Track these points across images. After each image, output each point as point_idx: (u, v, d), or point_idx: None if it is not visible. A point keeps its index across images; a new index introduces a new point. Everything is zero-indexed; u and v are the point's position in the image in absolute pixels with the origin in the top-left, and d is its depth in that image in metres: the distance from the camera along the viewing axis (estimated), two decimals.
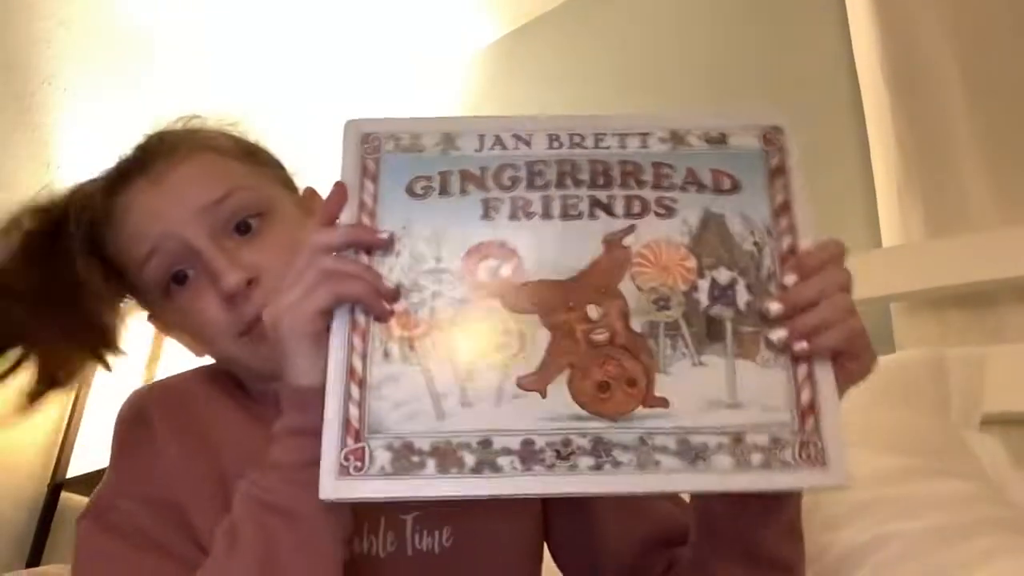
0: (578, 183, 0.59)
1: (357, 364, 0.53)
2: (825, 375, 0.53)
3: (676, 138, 0.60)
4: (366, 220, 0.57)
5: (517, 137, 0.60)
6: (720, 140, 0.60)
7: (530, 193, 0.58)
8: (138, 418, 0.69)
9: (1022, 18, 1.30)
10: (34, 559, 1.74)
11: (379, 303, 0.53)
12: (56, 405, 1.85)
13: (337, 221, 0.56)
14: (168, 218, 0.67)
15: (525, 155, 0.59)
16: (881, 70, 1.36)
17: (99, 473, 1.73)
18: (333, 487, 0.50)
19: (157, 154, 0.70)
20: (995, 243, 1.16)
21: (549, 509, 0.76)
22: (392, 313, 0.54)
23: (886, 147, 1.33)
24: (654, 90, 1.77)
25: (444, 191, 0.58)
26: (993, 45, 1.31)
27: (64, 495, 1.81)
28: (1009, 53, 1.29)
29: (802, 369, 0.53)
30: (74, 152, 1.98)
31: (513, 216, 0.58)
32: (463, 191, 0.58)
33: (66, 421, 1.84)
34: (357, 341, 0.54)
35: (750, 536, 0.62)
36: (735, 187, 0.58)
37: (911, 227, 1.27)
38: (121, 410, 0.71)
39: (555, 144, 0.60)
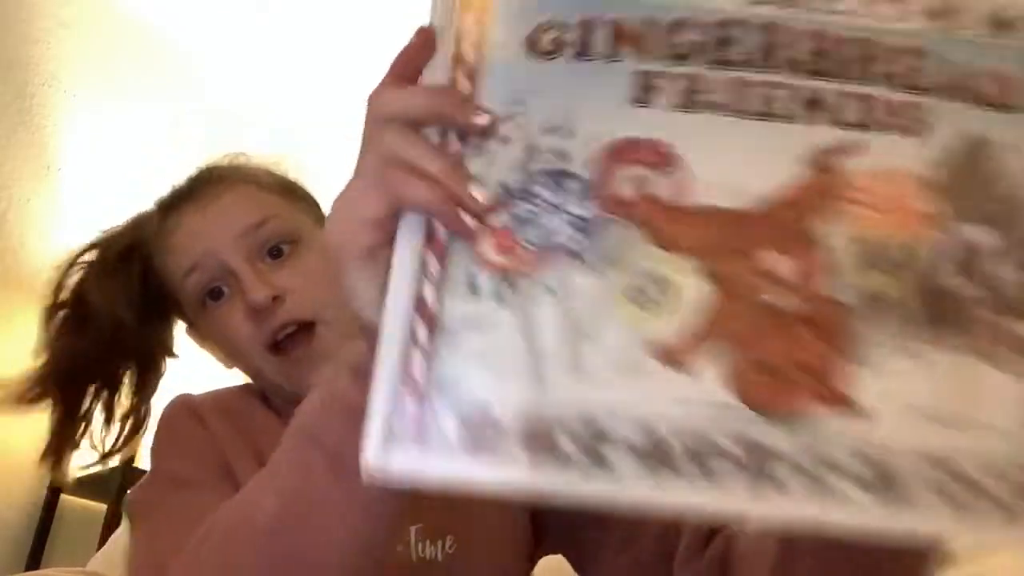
0: (795, 65, 0.38)
1: (428, 295, 0.37)
2: None
3: (948, 11, 0.39)
4: (464, 84, 0.38)
5: None
6: (1008, 25, 0.39)
7: (715, 71, 0.38)
8: (191, 413, 0.73)
9: None
10: (33, 562, 1.73)
11: (458, 219, 0.36)
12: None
13: (420, 80, 0.39)
14: (209, 238, 0.74)
15: (715, 9, 0.38)
16: None
17: (98, 475, 1.72)
18: (380, 458, 0.35)
19: (205, 183, 0.79)
20: None
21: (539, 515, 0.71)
22: (484, 231, 0.37)
23: None
24: None
25: (584, 51, 0.38)
26: None
27: (63, 498, 1.79)
28: None
29: None
30: (74, 154, 1.87)
31: (684, 104, 0.38)
32: (612, 55, 0.38)
33: None
34: (432, 263, 0.37)
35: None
36: (1021, 102, 0.38)
37: None
38: (169, 408, 0.75)
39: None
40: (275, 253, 0.74)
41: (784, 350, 0.37)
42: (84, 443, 1.84)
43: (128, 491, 0.70)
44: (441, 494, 0.37)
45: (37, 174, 1.84)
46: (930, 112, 0.38)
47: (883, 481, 0.35)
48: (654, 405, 0.36)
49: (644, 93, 0.38)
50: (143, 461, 1.68)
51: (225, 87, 2.20)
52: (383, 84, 0.39)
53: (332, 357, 0.54)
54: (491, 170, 0.38)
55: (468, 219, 0.37)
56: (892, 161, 0.38)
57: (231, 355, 0.76)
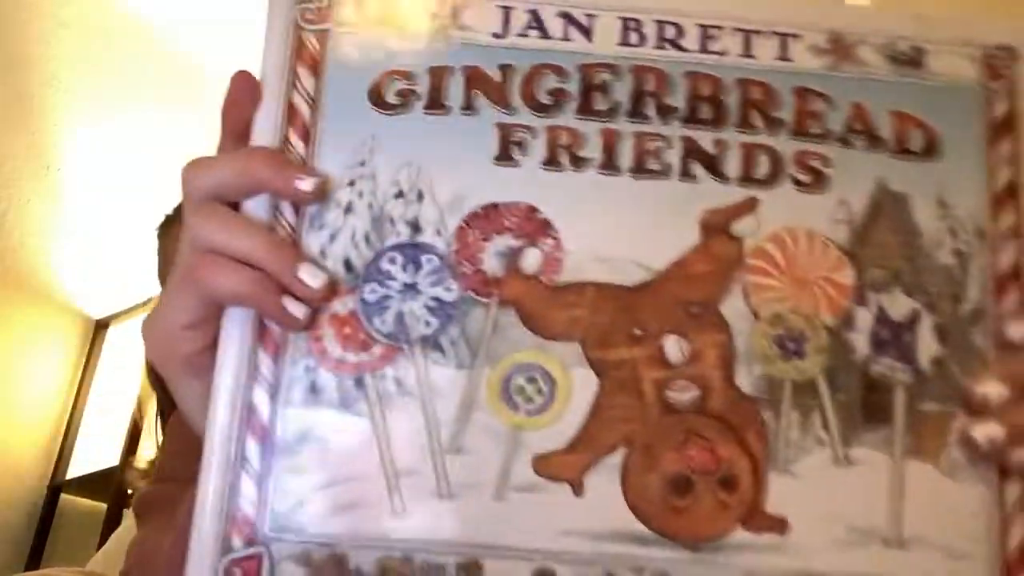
0: (666, 112, 0.33)
1: (260, 403, 0.30)
2: None
3: (840, 47, 0.34)
4: (295, 141, 0.32)
5: (568, 18, 0.33)
6: (912, 61, 0.34)
7: (583, 122, 0.33)
8: None
9: (1022, 18, 1.30)
10: (33, 561, 1.73)
11: (279, 308, 0.30)
12: (55, 407, 1.85)
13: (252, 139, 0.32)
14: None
15: (580, 51, 0.33)
16: None
17: (98, 475, 1.73)
18: None
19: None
20: None
21: None
22: (324, 320, 0.31)
23: None
24: None
25: (434, 102, 0.33)
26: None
27: (63, 497, 1.77)
28: None
29: (1014, 489, 0.30)
30: (74, 154, 1.89)
31: (551, 162, 0.32)
32: (468, 106, 0.33)
33: (65, 423, 1.81)
34: (265, 364, 0.30)
35: None
36: (931, 147, 0.33)
37: None
38: None
39: (633, 37, 0.34)
40: None
41: (693, 459, 0.31)
42: (83, 447, 1.84)
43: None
44: None
45: (37, 174, 1.84)
46: (831, 161, 0.33)
47: None
48: (546, 539, 0.29)
49: (506, 149, 0.32)
50: (143, 461, 1.69)
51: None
52: (198, 158, 0.32)
53: None
54: (333, 247, 0.31)
55: (296, 308, 0.30)
56: (791, 220, 0.32)
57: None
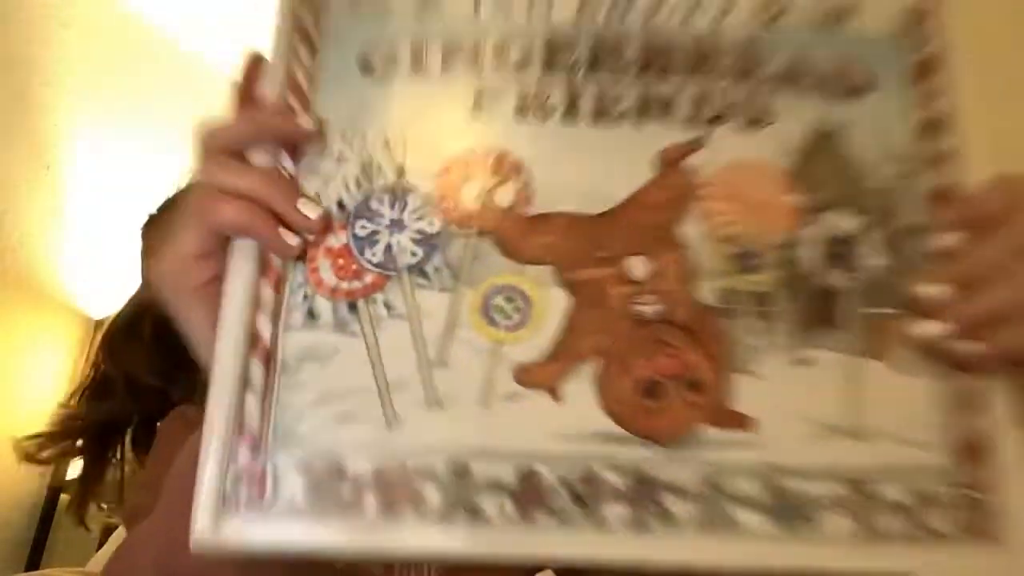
0: (622, 67, 0.38)
1: (263, 329, 0.33)
2: (1005, 393, 0.33)
3: (775, 5, 0.39)
4: (296, 105, 0.37)
5: None
6: (845, 13, 0.39)
7: (547, 77, 0.37)
8: (185, 425, 0.67)
9: (1022, 17, 1.30)
10: (33, 562, 1.74)
11: (277, 236, 0.33)
12: (55, 406, 1.85)
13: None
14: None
15: (543, 23, 0.38)
16: None
17: None
18: (211, 528, 0.31)
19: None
20: None
21: None
22: (320, 251, 0.34)
23: None
24: None
25: (416, 67, 0.37)
26: (993, 44, 1.30)
27: (63, 497, 1.78)
28: (1009, 52, 1.29)
29: (964, 379, 0.33)
30: (74, 154, 1.93)
31: (520, 111, 0.37)
32: (446, 69, 0.37)
33: None
34: (266, 293, 0.34)
35: None
36: (863, 87, 0.37)
37: None
38: (167, 420, 0.70)
39: (590, 5, 0.39)
40: None
41: (661, 365, 0.34)
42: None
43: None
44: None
45: (37, 174, 1.84)
46: (773, 102, 0.37)
47: (788, 508, 0.32)
48: (528, 441, 0.32)
49: (480, 102, 0.37)
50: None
51: (225, 87, 2.20)
52: (210, 120, 0.37)
53: None
54: (327, 189, 0.36)
55: (291, 237, 0.34)
56: (742, 154, 0.37)
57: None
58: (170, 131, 2.23)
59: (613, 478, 0.32)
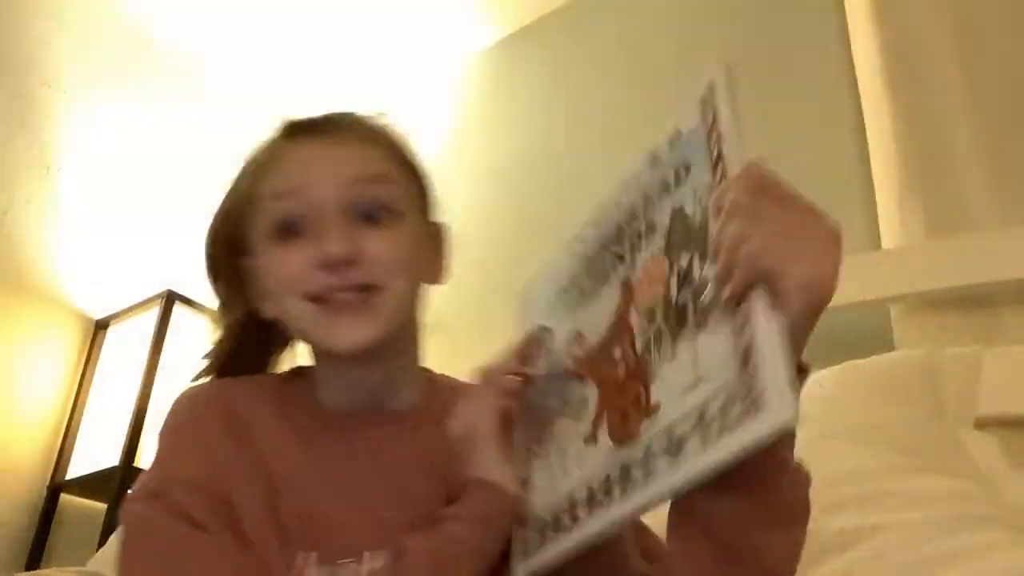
0: (606, 248, 0.65)
1: (526, 474, 0.65)
2: (758, 308, 0.46)
3: (654, 160, 0.60)
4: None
5: (580, 238, 0.69)
6: (676, 136, 0.58)
7: (585, 279, 0.67)
8: (192, 414, 0.72)
9: (1022, 16, 1.30)
10: (33, 562, 1.74)
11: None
12: (55, 407, 1.85)
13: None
14: (317, 174, 0.71)
15: (583, 251, 0.68)
16: (881, 70, 1.36)
17: (98, 475, 1.72)
18: (522, 569, 0.60)
19: (339, 125, 0.76)
20: (995, 244, 1.16)
21: None
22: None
23: (886, 147, 1.32)
24: (652, 93, 1.77)
25: (553, 311, 0.71)
26: (993, 44, 1.30)
27: (63, 497, 1.78)
28: (1009, 52, 1.29)
29: (740, 315, 0.47)
30: (74, 155, 1.89)
31: (579, 304, 0.67)
32: (561, 303, 0.70)
33: (65, 423, 1.82)
34: (523, 453, 0.66)
35: (719, 521, 0.55)
36: (687, 171, 0.56)
37: (911, 228, 1.26)
38: (175, 405, 0.73)
39: (597, 228, 0.67)
40: (372, 219, 0.71)
41: (626, 399, 0.56)
42: (83, 448, 1.83)
43: (129, 492, 0.69)
44: None
45: (37, 174, 1.84)
46: (655, 216, 0.59)
47: (674, 447, 0.49)
48: (588, 472, 0.57)
49: (569, 310, 0.69)
50: (142, 461, 1.68)
51: (225, 87, 2.20)
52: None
53: (376, 319, 0.69)
54: (536, 393, 0.69)
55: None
56: (647, 256, 0.59)
57: (272, 296, 0.73)
58: (170, 131, 2.22)
59: (614, 472, 0.54)
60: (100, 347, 1.85)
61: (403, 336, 0.74)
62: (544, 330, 0.71)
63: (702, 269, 0.51)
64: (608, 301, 0.62)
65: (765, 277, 0.47)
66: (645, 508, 0.52)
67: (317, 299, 0.69)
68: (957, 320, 1.19)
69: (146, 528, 0.65)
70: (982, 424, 1.03)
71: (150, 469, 0.71)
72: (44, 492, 1.76)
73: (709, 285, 0.50)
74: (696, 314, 0.51)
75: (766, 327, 0.45)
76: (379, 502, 0.68)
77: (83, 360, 1.86)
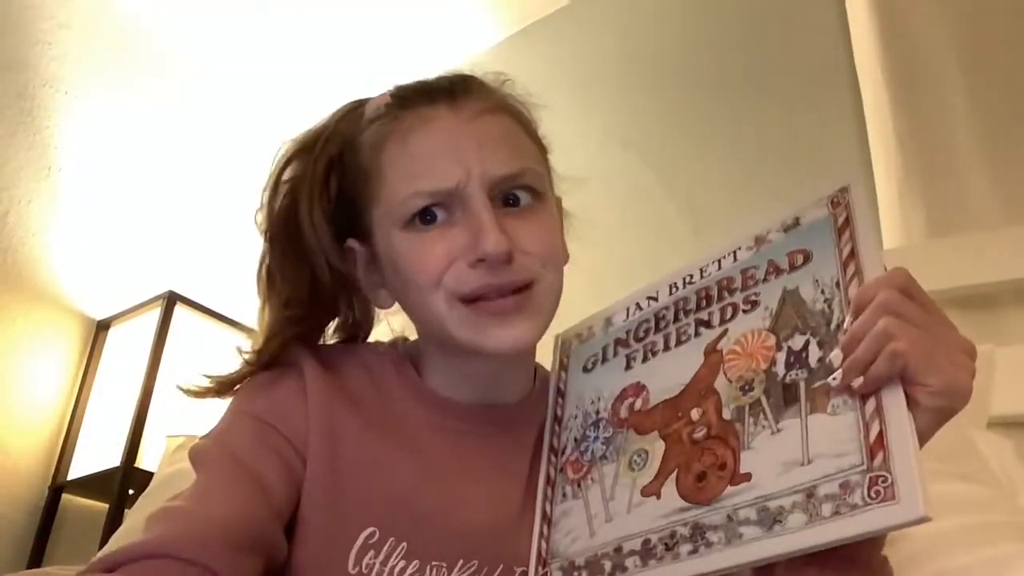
0: (687, 312, 0.67)
1: (547, 507, 0.66)
2: (893, 404, 0.49)
3: (759, 240, 0.65)
4: (559, 401, 0.73)
5: (650, 298, 0.71)
6: (794, 224, 0.63)
7: (656, 336, 0.68)
8: (291, 365, 0.69)
9: (1023, 16, 1.30)
10: (35, 562, 1.73)
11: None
12: (57, 408, 1.85)
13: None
14: (462, 159, 0.64)
15: (654, 309, 0.70)
16: (881, 70, 1.36)
17: (100, 475, 1.73)
18: None
19: (468, 92, 0.69)
20: (997, 244, 1.16)
21: None
22: (567, 463, 0.68)
23: (886, 147, 1.32)
24: (655, 93, 1.77)
25: (604, 360, 0.71)
26: (994, 44, 1.30)
27: (65, 497, 1.77)
28: (1010, 52, 1.28)
29: (870, 406, 0.50)
30: (75, 155, 1.89)
31: (644, 359, 0.68)
32: (615, 354, 0.71)
33: (66, 424, 1.82)
34: (548, 490, 0.67)
35: None
36: (807, 259, 0.60)
37: (912, 228, 1.26)
38: (286, 361, 0.69)
39: (674, 290, 0.69)
40: (513, 201, 0.66)
41: (707, 461, 0.57)
42: (84, 448, 1.83)
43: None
44: None
45: (37, 175, 1.84)
46: (759, 293, 0.63)
47: (768, 518, 0.51)
48: (647, 524, 0.59)
49: (629, 363, 0.70)
50: (143, 461, 1.68)
51: (225, 88, 2.20)
52: None
53: (533, 316, 0.67)
54: (571, 434, 0.70)
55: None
56: (744, 329, 0.62)
57: (404, 286, 0.68)
58: (171, 132, 2.22)
59: (683, 530, 0.56)
60: (101, 348, 1.85)
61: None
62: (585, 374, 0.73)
63: (821, 354, 0.55)
64: (685, 362, 0.63)
65: (904, 377, 0.50)
66: (722, 570, 0.53)
67: (470, 300, 0.64)
68: (959, 321, 1.18)
69: (204, 460, 0.65)
70: (995, 425, 1.02)
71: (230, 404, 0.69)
72: (45, 492, 1.75)
73: (838, 372, 0.52)
74: (808, 395, 0.54)
75: (902, 423, 0.48)
76: (471, 504, 0.66)
77: (84, 361, 1.86)
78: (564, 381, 0.73)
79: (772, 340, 0.58)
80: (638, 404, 0.65)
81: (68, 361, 1.84)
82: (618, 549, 0.59)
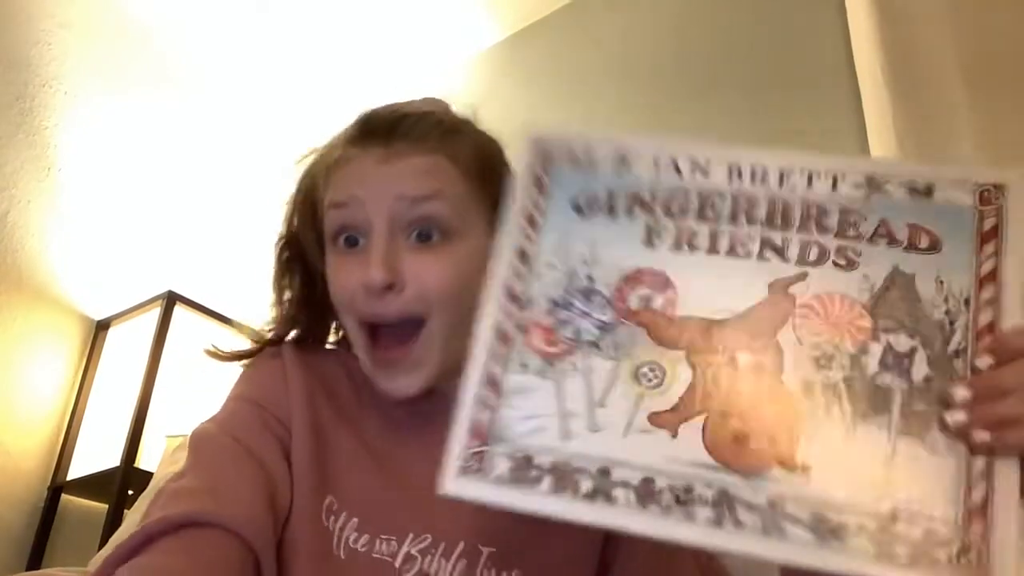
0: (752, 220, 0.54)
1: (495, 369, 0.52)
2: (1007, 475, 0.45)
3: (873, 184, 0.54)
4: (529, 230, 0.56)
5: (695, 164, 0.56)
6: (925, 192, 0.53)
7: (698, 224, 0.55)
8: (274, 353, 0.76)
9: (1023, 16, 1.30)
10: (34, 563, 1.73)
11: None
12: (56, 408, 1.85)
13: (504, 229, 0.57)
14: (370, 188, 0.70)
15: (700, 185, 0.55)
16: (881, 70, 1.36)
17: (99, 476, 1.73)
18: (453, 483, 0.49)
19: (408, 133, 0.72)
20: None
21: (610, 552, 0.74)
22: (534, 325, 0.53)
23: (886, 147, 1.32)
24: (654, 92, 1.77)
25: (610, 211, 0.56)
26: (994, 44, 1.30)
27: (64, 497, 1.77)
28: (1010, 52, 1.28)
29: (979, 464, 0.46)
30: (75, 155, 1.89)
31: (676, 246, 0.54)
32: (629, 213, 0.56)
33: (66, 424, 1.81)
34: (499, 347, 0.53)
35: None
36: (934, 246, 0.51)
37: None
38: (258, 350, 0.78)
39: (735, 176, 0.55)
40: (423, 237, 0.69)
41: (752, 423, 0.49)
42: (84, 448, 1.83)
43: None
44: (515, 520, 0.51)
45: (37, 175, 1.84)
46: (860, 253, 0.52)
47: (824, 529, 0.46)
48: (651, 460, 0.49)
49: (650, 238, 0.55)
50: (143, 461, 1.68)
51: (225, 88, 2.20)
52: None
53: (417, 367, 0.69)
54: (543, 287, 0.55)
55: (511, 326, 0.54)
56: (832, 288, 0.52)
57: (333, 301, 0.74)
58: (171, 131, 2.22)
59: (704, 491, 0.47)
60: (101, 348, 1.85)
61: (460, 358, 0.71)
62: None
63: (930, 373, 0.49)
64: (740, 285, 0.52)
65: None
66: (749, 555, 0.47)
67: (367, 324, 0.70)
68: None
69: (205, 444, 0.69)
70: None
71: (228, 395, 0.75)
72: (45, 493, 1.76)
73: (960, 414, 0.47)
74: (903, 412, 0.48)
75: (1012, 498, 0.45)
76: (409, 481, 0.70)
77: (84, 361, 1.86)
78: (540, 207, 0.57)
79: (868, 322, 0.50)
80: (658, 302, 0.53)
81: (68, 361, 1.84)
82: (604, 471, 0.48)
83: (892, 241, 0.52)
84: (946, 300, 0.50)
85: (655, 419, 0.50)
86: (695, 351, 0.51)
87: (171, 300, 1.80)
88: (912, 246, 0.52)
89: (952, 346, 0.49)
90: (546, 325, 0.53)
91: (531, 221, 0.56)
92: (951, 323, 0.50)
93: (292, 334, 0.79)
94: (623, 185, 0.56)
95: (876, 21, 1.38)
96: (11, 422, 1.73)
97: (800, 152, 0.55)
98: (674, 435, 0.49)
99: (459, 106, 0.80)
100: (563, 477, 0.49)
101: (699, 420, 0.49)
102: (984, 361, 0.48)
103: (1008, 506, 0.45)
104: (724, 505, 0.47)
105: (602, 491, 0.48)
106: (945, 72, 1.30)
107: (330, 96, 2.21)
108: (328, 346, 0.83)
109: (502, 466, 0.49)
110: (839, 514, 0.46)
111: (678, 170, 0.56)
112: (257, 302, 0.82)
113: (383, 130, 0.72)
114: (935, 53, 1.32)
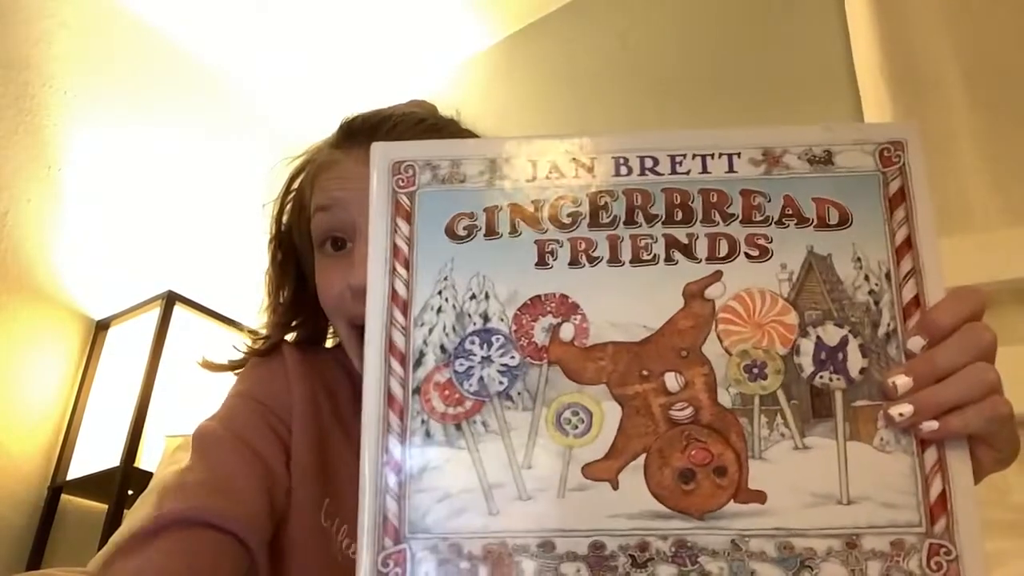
0: (651, 219, 0.48)
1: (394, 447, 0.44)
2: (961, 464, 0.43)
3: (770, 158, 0.49)
4: (400, 269, 0.47)
5: (576, 161, 0.49)
6: (825, 159, 0.48)
7: (594, 232, 0.48)
8: (275, 351, 0.76)
9: (1023, 16, 1.30)
10: (34, 563, 1.73)
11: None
12: (56, 408, 1.84)
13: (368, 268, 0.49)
14: (354, 190, 0.69)
15: (586, 184, 0.49)
16: (881, 70, 1.36)
17: (99, 476, 1.73)
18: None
19: (390, 134, 0.72)
20: (997, 245, 1.16)
21: None
22: (429, 384, 0.46)
23: None
24: (653, 94, 1.77)
25: (490, 231, 0.48)
26: (994, 44, 1.30)
27: (64, 497, 1.76)
28: (1010, 52, 1.28)
29: (931, 455, 0.43)
30: (75, 154, 1.89)
31: (574, 262, 0.47)
32: (513, 231, 0.48)
33: (66, 424, 1.81)
34: (393, 418, 0.45)
35: None
36: (844, 220, 0.47)
37: None
38: (260, 350, 0.77)
39: (623, 169, 0.49)
40: None
41: (693, 456, 0.44)
42: (84, 448, 1.83)
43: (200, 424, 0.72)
44: None
45: (37, 174, 1.84)
46: (771, 239, 0.47)
47: (794, 561, 0.42)
48: (596, 521, 0.43)
49: (543, 257, 0.48)
50: (143, 461, 1.68)
51: (225, 88, 2.20)
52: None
53: None
54: (431, 337, 0.47)
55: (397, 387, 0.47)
56: (750, 283, 0.47)
57: (320, 301, 0.74)
58: (170, 131, 2.22)
59: (661, 545, 0.43)
60: (101, 348, 1.85)
61: None
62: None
63: (866, 364, 0.45)
64: (651, 295, 0.46)
65: (974, 440, 0.44)
66: None
67: (357, 326, 0.69)
68: None
69: (209, 441, 0.68)
70: None
71: (228, 393, 0.75)
72: (45, 493, 1.75)
73: (906, 407, 0.43)
74: (847, 413, 0.44)
75: (968, 487, 0.43)
76: None
77: (84, 361, 1.86)
78: (407, 236, 0.48)
79: (793, 317, 0.46)
80: (567, 332, 0.46)
81: (67, 361, 1.84)
82: (545, 545, 0.42)
83: (801, 221, 0.47)
84: (867, 278, 0.46)
85: (590, 471, 0.44)
86: (618, 383, 0.45)
87: (171, 300, 1.79)
88: (822, 223, 0.47)
89: (882, 329, 0.45)
90: (443, 382, 0.46)
91: (399, 256, 0.48)
92: (876, 303, 0.46)
93: (289, 336, 0.79)
94: (500, 196, 0.49)
95: (876, 21, 1.38)
96: (11, 422, 1.73)
97: (688, 131, 0.50)
98: (615, 486, 0.43)
99: (445, 108, 0.79)
100: (500, 563, 0.42)
101: (638, 463, 0.44)
102: (916, 342, 0.45)
103: (967, 494, 0.43)
104: (685, 557, 0.42)
105: (549, 570, 0.42)
106: (945, 72, 1.30)
107: (330, 96, 2.21)
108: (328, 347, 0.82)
109: (427, 564, 0.42)
110: (804, 539, 0.42)
111: (559, 171, 0.49)
112: (257, 302, 0.82)
113: (365, 132, 0.72)
114: (935, 53, 1.32)
